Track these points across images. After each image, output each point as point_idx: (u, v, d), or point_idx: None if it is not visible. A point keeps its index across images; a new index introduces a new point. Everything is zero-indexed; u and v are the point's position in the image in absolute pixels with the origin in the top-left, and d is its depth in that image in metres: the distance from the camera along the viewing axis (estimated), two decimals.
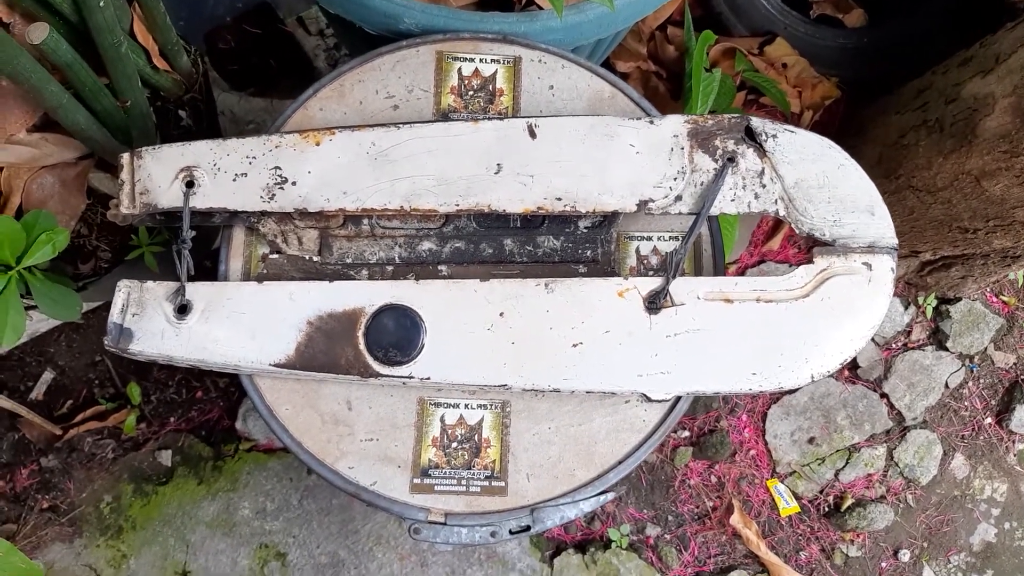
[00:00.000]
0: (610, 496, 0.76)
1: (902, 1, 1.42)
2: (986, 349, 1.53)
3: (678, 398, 0.78)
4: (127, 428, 1.40)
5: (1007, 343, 1.55)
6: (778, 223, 1.50)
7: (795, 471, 1.48)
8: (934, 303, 1.53)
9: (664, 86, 1.44)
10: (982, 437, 1.53)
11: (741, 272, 1.49)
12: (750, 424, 1.47)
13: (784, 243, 1.49)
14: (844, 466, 1.48)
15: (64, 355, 1.44)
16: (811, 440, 1.48)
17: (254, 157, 0.76)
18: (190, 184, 0.75)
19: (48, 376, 1.44)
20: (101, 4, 0.76)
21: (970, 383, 1.53)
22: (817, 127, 1.45)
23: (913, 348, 1.52)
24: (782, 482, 1.47)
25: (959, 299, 1.51)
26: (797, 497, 1.46)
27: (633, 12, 0.90)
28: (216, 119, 1.18)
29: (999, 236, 1.13)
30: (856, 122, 1.42)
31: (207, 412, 1.44)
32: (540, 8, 0.88)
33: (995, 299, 1.55)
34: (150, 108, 0.96)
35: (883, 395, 1.51)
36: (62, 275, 0.99)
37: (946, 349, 1.52)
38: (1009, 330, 1.55)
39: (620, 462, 0.77)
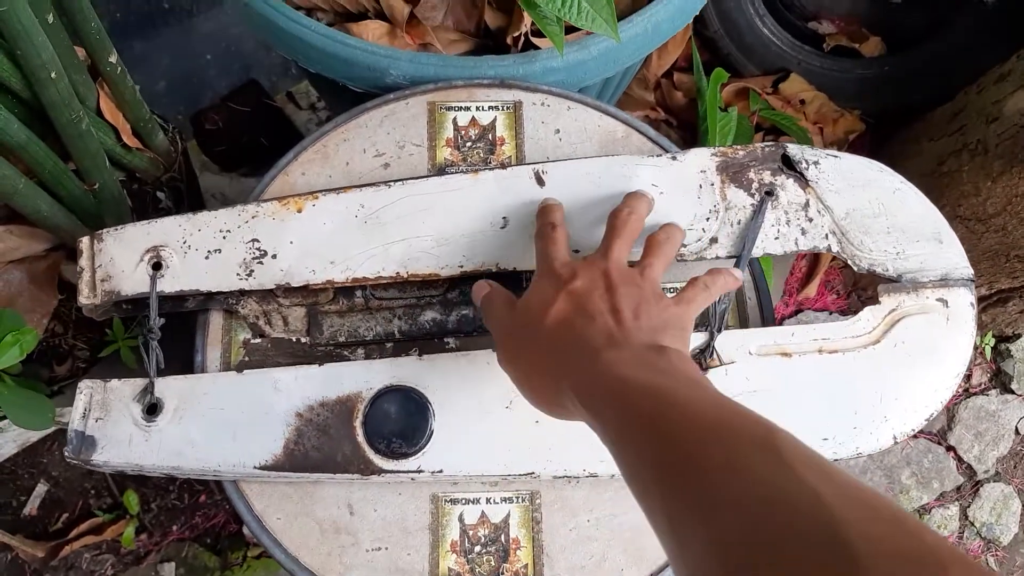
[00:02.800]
0: None
1: (921, 26, 1.35)
2: None
3: None
4: (126, 541, 1.29)
5: None
6: (812, 269, 1.39)
7: None
8: (992, 342, 1.40)
9: (675, 134, 1.36)
10: None
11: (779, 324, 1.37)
12: None
13: (821, 289, 1.39)
14: None
15: (57, 465, 1.34)
16: None
17: (228, 231, 0.67)
18: (157, 266, 0.66)
19: (41, 489, 1.34)
20: (53, 76, 0.68)
21: None
22: None
23: (976, 393, 1.39)
24: None
25: (1019, 335, 1.39)
26: None
27: (640, 46, 0.82)
28: (200, 199, 1.10)
29: None
30: (886, 154, 1.33)
31: (211, 517, 1.33)
32: (538, 48, 0.80)
33: None
34: (123, 191, 0.88)
35: (949, 448, 1.37)
36: (35, 379, 0.90)
37: (1011, 391, 1.39)
38: None
39: None
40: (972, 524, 1.35)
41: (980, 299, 1.23)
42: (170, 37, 1.39)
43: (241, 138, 1.27)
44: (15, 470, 1.33)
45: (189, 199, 1.00)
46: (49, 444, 1.33)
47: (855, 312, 0.66)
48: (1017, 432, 1.39)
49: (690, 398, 0.44)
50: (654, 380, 0.46)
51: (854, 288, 1.39)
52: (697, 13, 0.86)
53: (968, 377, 1.40)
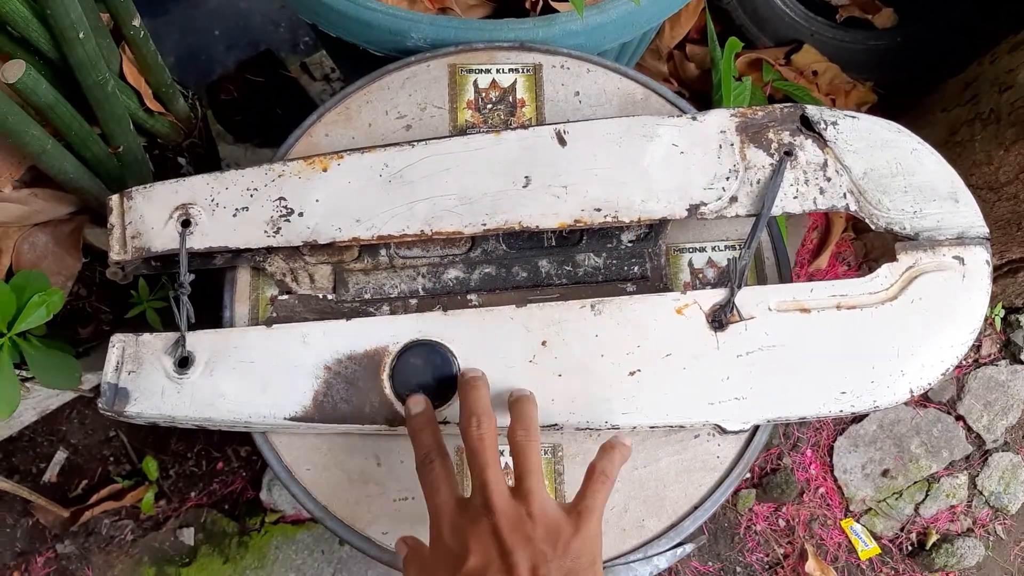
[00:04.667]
0: (688, 548, 0.66)
1: None
2: None
3: (756, 428, 0.68)
4: (145, 506, 1.31)
5: None
6: (823, 241, 1.40)
7: (871, 508, 1.35)
8: (1002, 313, 1.41)
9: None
10: None
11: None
12: (816, 459, 1.35)
13: (832, 260, 1.39)
14: (924, 499, 1.35)
15: (77, 432, 1.36)
16: (885, 473, 1.35)
17: (255, 189, 0.68)
18: (186, 223, 0.67)
19: (61, 456, 1.36)
20: (81, 36, 0.69)
21: None
22: None
23: (985, 363, 1.40)
24: (858, 521, 1.34)
25: None
26: (876, 537, 1.33)
27: (659, 9, 0.83)
28: (219, 165, 1.11)
29: None
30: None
31: (230, 484, 1.35)
32: (557, 12, 0.81)
33: None
34: (145, 155, 0.89)
35: (958, 417, 1.38)
36: (60, 341, 0.91)
37: (1021, 362, 1.40)
38: None
39: (695, 507, 0.66)
40: (981, 493, 1.37)
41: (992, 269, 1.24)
42: (179, 11, 1.40)
43: (256, 108, 1.28)
44: (34, 437, 1.35)
45: (209, 165, 1.01)
46: (68, 411, 1.35)
47: None
48: None
49: None
50: None
51: (865, 259, 1.39)
52: None
53: (978, 347, 1.41)
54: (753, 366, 0.64)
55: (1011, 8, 1.21)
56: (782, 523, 1.34)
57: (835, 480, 1.35)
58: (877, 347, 0.64)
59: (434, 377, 0.64)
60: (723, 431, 0.67)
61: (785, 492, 1.34)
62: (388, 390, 0.64)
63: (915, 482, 1.36)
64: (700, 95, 1.37)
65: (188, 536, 1.31)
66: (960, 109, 1.15)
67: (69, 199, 0.86)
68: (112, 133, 0.81)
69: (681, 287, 0.73)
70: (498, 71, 0.77)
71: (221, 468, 1.35)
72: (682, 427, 0.67)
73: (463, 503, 0.55)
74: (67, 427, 1.35)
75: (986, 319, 1.38)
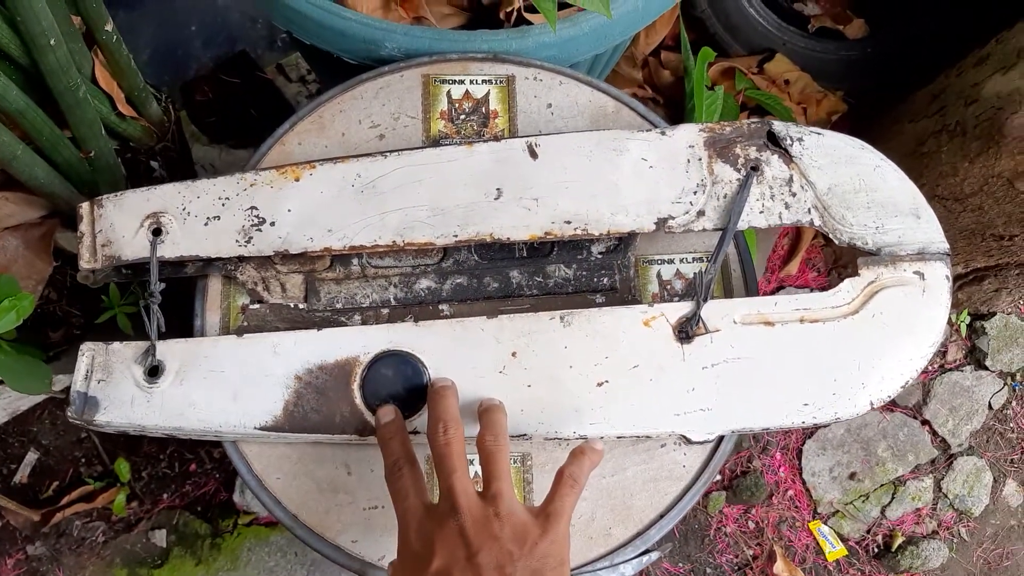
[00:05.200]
0: (654, 556, 0.67)
1: (903, 8, 1.37)
2: None
3: (721, 438, 0.69)
4: (117, 508, 1.30)
5: None
6: (794, 247, 1.42)
7: (838, 510, 1.37)
8: (967, 320, 1.44)
9: (662, 112, 1.38)
10: None
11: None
12: (785, 462, 1.38)
13: (803, 266, 1.42)
14: (890, 502, 1.38)
15: (48, 433, 1.35)
16: (852, 476, 1.38)
17: (227, 198, 0.68)
18: (157, 232, 0.67)
19: (32, 457, 1.35)
20: (52, 43, 0.69)
21: (1014, 403, 1.43)
22: None
23: (951, 369, 1.43)
24: (825, 523, 1.36)
25: (993, 314, 1.43)
26: (843, 539, 1.36)
27: (631, 22, 0.84)
28: (192, 169, 1.11)
29: None
30: (868, 135, 1.35)
31: (202, 486, 1.35)
32: (531, 24, 0.82)
33: None
34: (118, 159, 0.89)
35: (924, 422, 1.41)
36: (31, 345, 0.91)
37: (985, 368, 1.43)
38: None
39: (661, 515, 0.68)
40: (945, 496, 1.39)
41: (956, 277, 1.26)
42: (154, 7, 1.39)
43: (231, 109, 1.27)
44: (5, 438, 1.34)
45: (182, 168, 1.01)
46: (39, 412, 1.34)
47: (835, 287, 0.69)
48: (990, 407, 1.43)
49: None
50: None
51: (834, 266, 1.42)
52: None
53: (944, 353, 1.44)
54: (718, 378, 0.65)
55: (979, 22, 1.24)
56: (751, 525, 1.36)
57: (803, 483, 1.37)
58: (839, 360, 0.66)
59: (405, 387, 0.65)
60: (688, 441, 0.68)
61: (755, 494, 1.36)
62: (359, 400, 0.65)
63: (881, 485, 1.38)
64: (674, 102, 1.38)
65: (160, 538, 1.30)
66: (927, 120, 1.17)
67: (40, 203, 0.86)
68: (83, 138, 0.81)
69: (649, 298, 0.74)
70: (471, 82, 0.78)
71: (193, 470, 1.35)
72: (648, 437, 0.68)
73: (431, 508, 0.56)
74: (38, 428, 1.34)
75: (951, 325, 1.41)
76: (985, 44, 1.11)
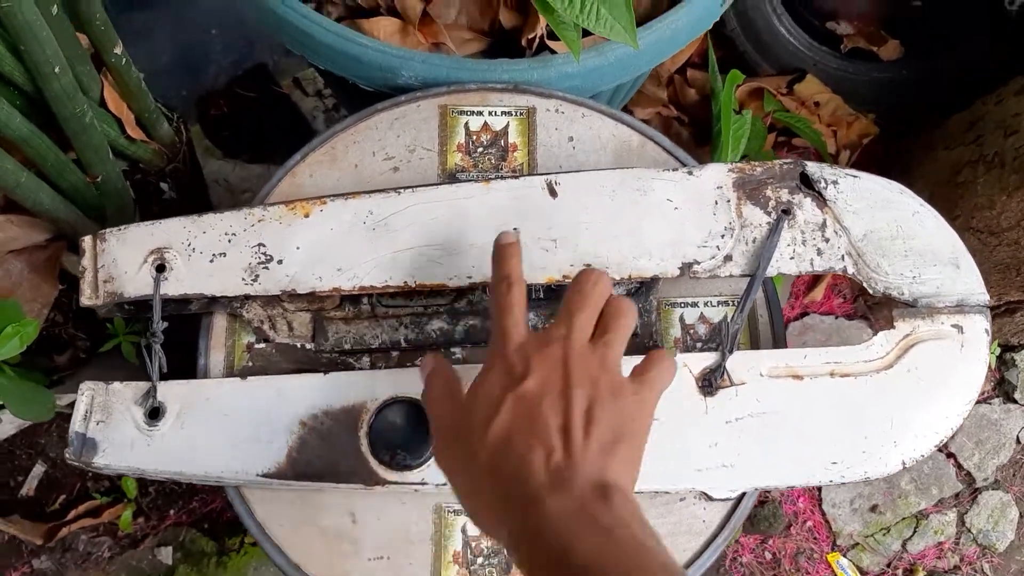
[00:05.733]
0: None
1: (941, 31, 1.33)
2: None
3: (743, 494, 0.66)
4: (123, 524, 1.29)
5: None
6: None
7: (858, 543, 1.33)
8: (997, 351, 1.39)
9: (687, 131, 1.35)
10: None
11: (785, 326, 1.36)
12: (804, 492, 1.34)
13: (828, 292, 1.38)
14: (912, 535, 1.34)
15: (56, 446, 1.33)
16: (873, 508, 1.34)
17: (234, 234, 0.66)
18: (161, 268, 0.65)
19: (39, 470, 1.33)
20: (57, 70, 0.67)
21: None
22: (857, 167, 1.34)
23: (979, 402, 1.39)
24: (844, 556, 1.32)
25: None
26: (862, 572, 1.32)
27: (658, 52, 0.80)
28: (205, 190, 1.09)
29: None
30: (900, 160, 1.31)
31: (209, 502, 1.33)
32: (553, 52, 0.79)
33: None
34: (126, 182, 0.87)
35: (949, 455, 1.37)
36: (35, 369, 0.89)
37: (1015, 401, 1.38)
38: None
39: None
40: (969, 530, 1.35)
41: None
42: (173, 13, 1.37)
43: (246, 124, 1.25)
44: (13, 450, 1.33)
45: (192, 189, 0.99)
46: (48, 425, 1.33)
47: (860, 316, 0.65)
48: (1018, 441, 1.38)
49: None
50: (600, 548, 0.42)
51: (861, 293, 1.38)
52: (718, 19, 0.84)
53: None
54: (742, 432, 0.62)
55: (1019, 50, 1.20)
56: (768, 556, 1.33)
57: (823, 514, 1.33)
58: (870, 417, 0.63)
59: (413, 436, 0.62)
60: (709, 498, 0.65)
61: (772, 525, 1.32)
62: (365, 448, 0.62)
63: (903, 518, 1.34)
64: (699, 122, 1.35)
65: (166, 555, 1.29)
66: (963, 149, 1.13)
67: (45, 225, 0.84)
68: (90, 163, 0.79)
69: (672, 343, 0.71)
70: (490, 113, 0.75)
71: (201, 487, 1.33)
72: (667, 492, 0.65)
73: (534, 333, 0.53)
74: (46, 440, 1.33)
75: None
76: None
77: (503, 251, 0.57)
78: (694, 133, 1.34)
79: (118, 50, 0.81)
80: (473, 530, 0.65)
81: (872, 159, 1.36)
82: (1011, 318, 1.24)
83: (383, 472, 0.62)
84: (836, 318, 1.36)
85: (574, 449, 0.46)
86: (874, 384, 0.63)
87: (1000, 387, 1.39)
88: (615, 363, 0.51)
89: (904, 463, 0.63)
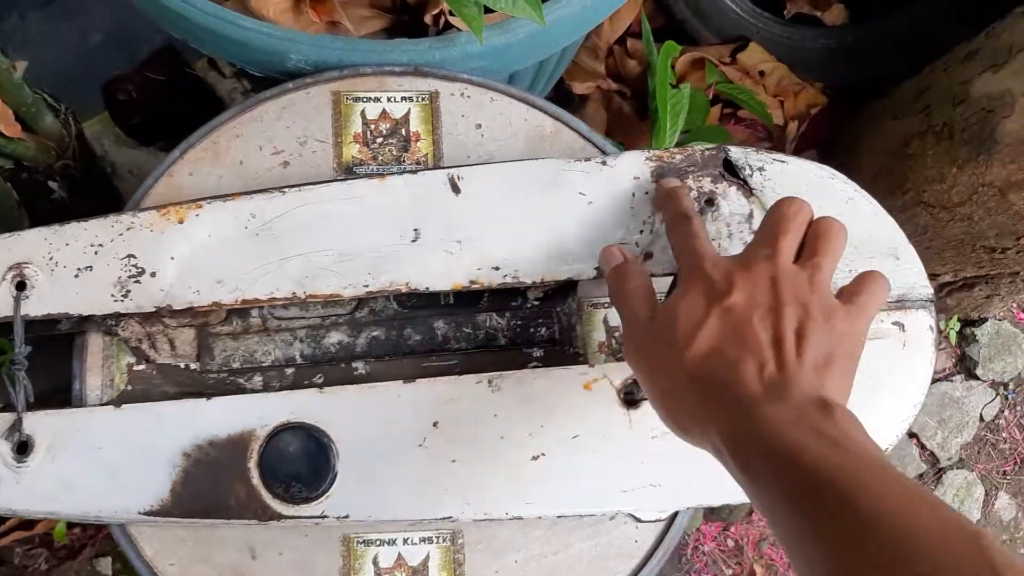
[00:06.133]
0: None
1: None
2: (1020, 373, 1.36)
3: (676, 513, 0.61)
4: (58, 535, 1.22)
5: None
6: None
7: None
8: (957, 327, 1.36)
9: (629, 105, 1.29)
10: None
11: None
12: None
13: None
14: None
15: None
16: None
17: (100, 245, 0.59)
18: (21, 286, 0.58)
19: None
20: None
21: (1007, 412, 1.36)
22: (805, 138, 1.29)
23: (939, 379, 1.35)
24: None
25: (985, 320, 1.35)
26: None
27: (574, 27, 0.74)
28: (108, 185, 1.02)
29: None
30: (849, 131, 1.26)
31: None
32: (460, 30, 0.72)
33: None
34: (6, 183, 0.79)
35: (912, 435, 1.34)
36: None
37: (976, 377, 1.35)
38: None
39: None
40: None
41: (944, 285, 1.18)
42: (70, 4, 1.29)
43: (158, 109, 1.17)
44: None
45: (90, 186, 0.91)
46: None
47: None
48: (981, 418, 1.35)
49: (881, 492, 0.38)
50: (830, 457, 0.40)
51: None
52: None
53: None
54: (669, 448, 0.57)
55: (970, 10, 1.14)
56: (731, 543, 1.30)
57: None
58: None
59: (309, 466, 0.56)
60: (638, 520, 0.60)
61: (734, 512, 1.29)
62: (256, 480, 0.56)
63: None
64: (642, 94, 1.28)
65: (105, 566, 1.24)
66: (913, 119, 1.08)
67: None
68: None
69: (596, 348, 0.65)
70: (389, 99, 0.68)
71: None
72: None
73: (731, 256, 0.51)
74: None
75: (940, 332, 1.33)
76: (975, 36, 1.02)
77: (673, 192, 0.58)
78: (637, 107, 1.28)
79: None
80: (385, 561, 0.60)
81: (821, 129, 1.31)
82: (969, 292, 1.21)
83: (278, 506, 0.56)
84: None
85: (788, 364, 0.45)
86: None
87: (961, 363, 1.36)
88: (825, 285, 0.49)
89: None
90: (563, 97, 1.27)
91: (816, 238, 0.51)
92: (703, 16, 1.26)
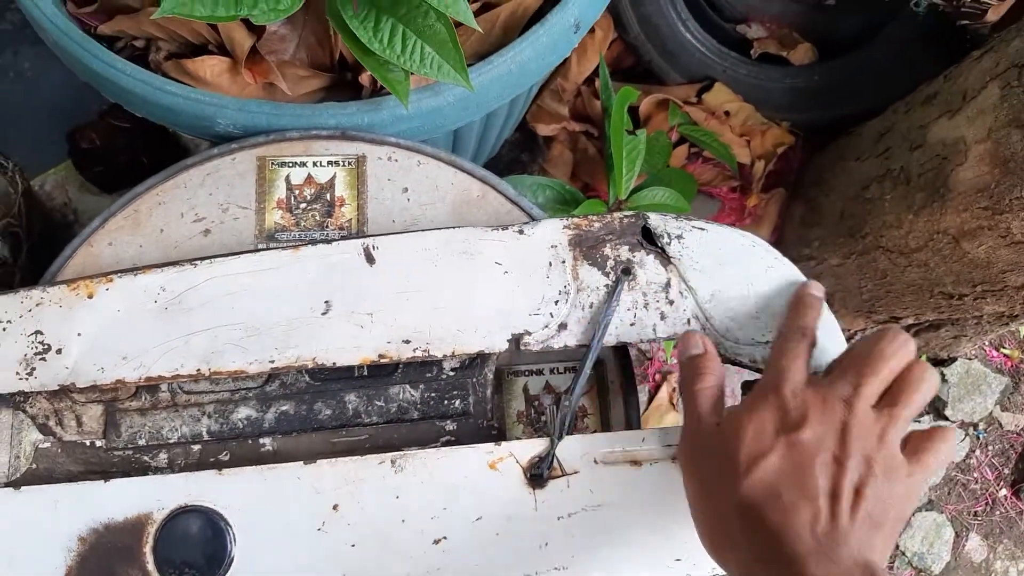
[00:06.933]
0: None
1: (854, 33, 1.26)
2: (991, 412, 1.34)
3: None
4: None
5: (1015, 403, 1.35)
6: None
7: None
8: None
9: (595, 146, 1.28)
10: (998, 512, 1.33)
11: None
12: None
13: None
14: None
15: None
16: None
17: (9, 321, 0.58)
18: None
19: None
20: None
21: (977, 452, 1.33)
22: (772, 177, 1.28)
23: None
24: None
25: (954, 359, 1.33)
26: None
27: (507, 87, 0.73)
28: (62, 237, 1.01)
29: (990, 302, 0.95)
30: (814, 172, 1.25)
31: None
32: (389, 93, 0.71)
33: (996, 354, 1.36)
34: None
35: None
36: None
37: (945, 418, 1.33)
38: (1016, 388, 1.35)
39: None
40: (903, 554, 1.30)
41: (909, 326, 1.16)
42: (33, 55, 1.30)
43: (120, 157, 1.17)
44: None
45: (34, 245, 0.91)
46: None
47: None
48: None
49: None
50: None
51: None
52: (575, 46, 0.77)
53: None
54: (576, 529, 0.56)
55: (935, 53, 1.13)
56: None
57: None
58: None
59: (203, 552, 0.55)
60: None
61: None
62: (151, 566, 0.55)
63: None
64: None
65: None
66: (873, 161, 1.07)
67: None
68: None
69: (515, 417, 0.64)
70: (315, 164, 0.68)
71: None
72: None
73: (815, 380, 0.51)
74: None
75: None
76: (934, 79, 1.01)
77: (805, 300, 0.57)
78: (601, 148, 1.27)
79: None
80: None
81: (790, 168, 1.30)
82: (936, 333, 1.19)
83: None
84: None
85: (841, 520, 0.45)
86: None
87: (931, 404, 1.34)
88: (896, 440, 0.49)
89: None
90: (528, 138, 1.27)
91: (904, 385, 0.50)
92: (670, 57, 1.25)
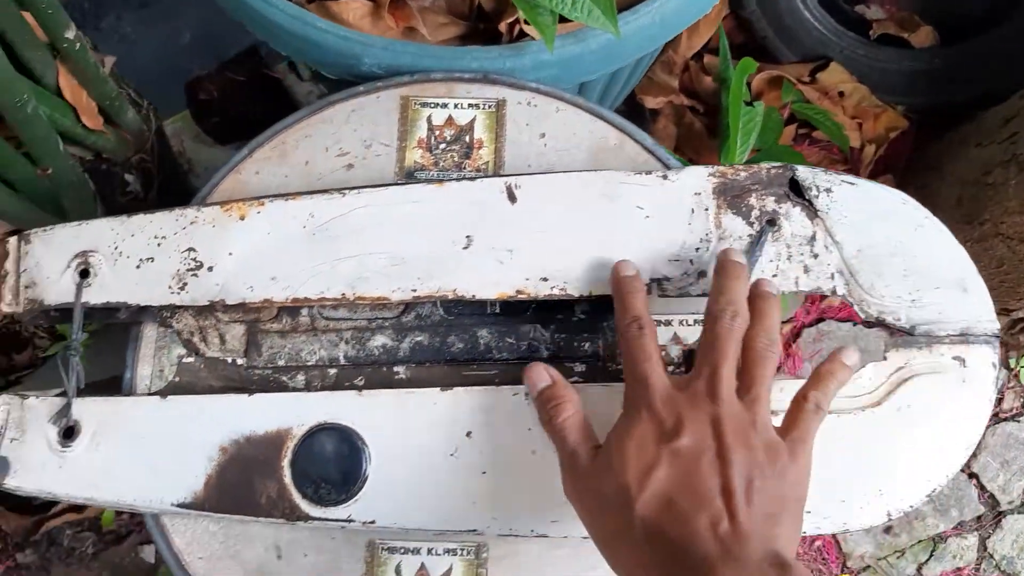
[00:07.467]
0: None
1: (978, 17, 1.22)
2: None
3: None
4: (106, 520, 1.26)
5: None
6: None
7: (870, 565, 1.25)
8: None
9: (700, 122, 1.26)
10: None
11: (796, 333, 1.28)
12: None
13: None
14: (928, 559, 1.25)
15: None
16: (888, 529, 1.26)
17: (164, 237, 0.61)
18: (84, 273, 0.60)
19: None
20: None
21: None
22: (882, 162, 1.25)
23: (1006, 419, 1.29)
24: None
25: None
26: None
27: (647, 39, 0.73)
28: (181, 181, 1.05)
29: None
30: (929, 157, 1.21)
31: None
32: (532, 39, 0.71)
33: None
34: (83, 175, 0.82)
35: (972, 475, 1.27)
36: None
37: None
38: None
39: None
40: (991, 556, 1.26)
41: (1016, 321, 1.12)
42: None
43: (237, 109, 1.20)
44: None
45: (162, 182, 0.94)
46: None
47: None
48: None
49: None
50: None
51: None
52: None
53: (999, 401, 1.30)
54: None
55: None
56: None
57: (834, 534, 1.25)
58: (853, 461, 0.55)
59: (340, 469, 0.56)
60: None
61: None
62: (288, 480, 0.56)
63: (919, 541, 1.26)
64: (716, 112, 1.26)
65: (149, 553, 1.26)
66: (996, 147, 1.03)
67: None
68: (38, 155, 0.75)
69: None
70: (456, 106, 0.68)
71: None
72: None
73: (677, 382, 0.50)
74: None
75: (1010, 370, 1.27)
76: None
77: (624, 285, 0.55)
78: (709, 124, 1.26)
79: (70, 34, 0.76)
80: (408, 570, 0.59)
81: (900, 154, 1.26)
82: None
83: (306, 507, 0.56)
84: (854, 324, 1.28)
85: (739, 516, 0.44)
86: (859, 423, 0.56)
87: None
88: (766, 420, 0.49)
89: (890, 514, 0.55)
90: (634, 110, 1.26)
91: (748, 364, 0.50)
92: (786, 34, 1.23)
